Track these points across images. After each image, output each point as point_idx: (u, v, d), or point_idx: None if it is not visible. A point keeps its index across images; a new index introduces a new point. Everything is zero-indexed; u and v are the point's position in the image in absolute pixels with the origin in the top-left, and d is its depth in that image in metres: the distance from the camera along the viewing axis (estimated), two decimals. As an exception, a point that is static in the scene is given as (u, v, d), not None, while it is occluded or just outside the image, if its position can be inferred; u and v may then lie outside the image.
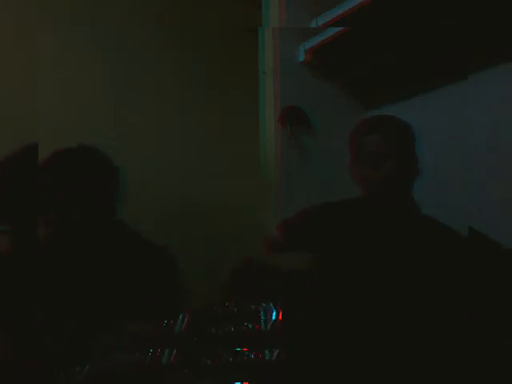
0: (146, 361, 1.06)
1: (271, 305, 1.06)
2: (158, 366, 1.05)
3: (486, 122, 1.69)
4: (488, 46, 1.66)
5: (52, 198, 1.30)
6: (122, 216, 1.38)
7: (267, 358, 1.03)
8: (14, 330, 1.21)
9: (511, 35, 1.57)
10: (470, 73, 1.74)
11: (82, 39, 1.91)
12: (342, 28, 1.81)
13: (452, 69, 1.79)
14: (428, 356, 1.21)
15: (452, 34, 1.63)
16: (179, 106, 2.09)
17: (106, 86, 1.93)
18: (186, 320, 1.08)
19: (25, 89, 1.74)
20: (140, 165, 1.86)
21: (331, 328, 1.26)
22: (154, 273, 1.33)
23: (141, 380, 1.07)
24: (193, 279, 1.39)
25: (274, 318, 1.05)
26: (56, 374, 1.06)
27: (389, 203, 1.36)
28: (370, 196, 1.38)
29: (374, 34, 1.76)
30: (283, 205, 1.89)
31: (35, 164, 1.29)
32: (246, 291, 1.33)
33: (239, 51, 2.16)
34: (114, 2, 2.01)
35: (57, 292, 1.24)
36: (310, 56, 1.98)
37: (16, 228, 1.30)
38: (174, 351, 1.05)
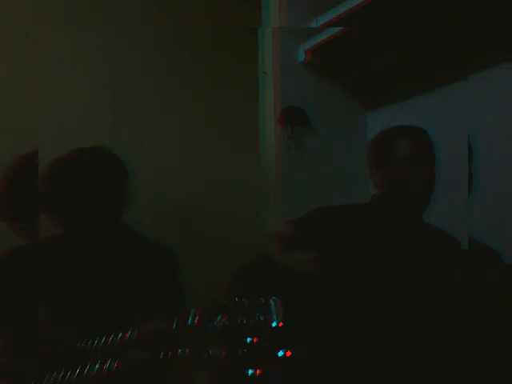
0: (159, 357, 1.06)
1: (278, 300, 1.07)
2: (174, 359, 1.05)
3: (486, 122, 1.69)
4: (488, 46, 1.66)
5: (60, 199, 1.30)
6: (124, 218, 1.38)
7: (279, 348, 1.04)
8: (15, 330, 1.21)
9: (511, 35, 1.57)
10: (470, 73, 1.74)
11: (83, 39, 1.91)
12: (342, 28, 1.81)
13: (452, 69, 1.79)
14: (426, 356, 1.21)
15: (452, 33, 1.63)
16: (179, 106, 2.09)
17: (105, 86, 1.93)
18: (197, 314, 1.09)
19: (25, 89, 1.74)
20: (139, 165, 1.85)
21: (339, 329, 1.26)
22: (158, 273, 1.34)
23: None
24: (193, 280, 1.39)
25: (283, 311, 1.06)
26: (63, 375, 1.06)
27: (423, 206, 1.37)
28: (404, 199, 1.38)
29: (374, 34, 1.76)
30: (283, 205, 1.89)
31: (35, 164, 1.29)
32: (257, 288, 1.32)
33: (239, 51, 2.16)
34: (114, 2, 2.01)
35: (61, 293, 1.24)
36: (310, 56, 1.98)
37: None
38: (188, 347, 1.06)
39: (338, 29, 1.82)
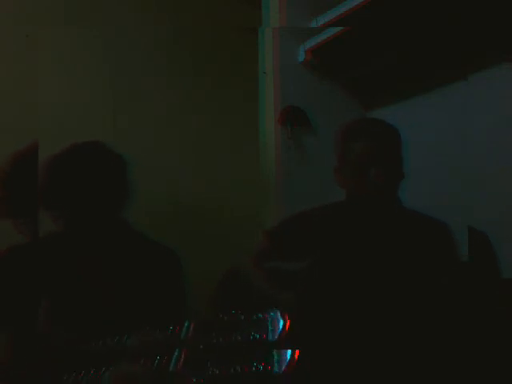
0: (153, 367, 1.04)
1: (278, 313, 1.05)
2: (165, 373, 1.03)
3: (486, 122, 1.69)
4: (488, 46, 1.66)
5: (60, 195, 1.30)
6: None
7: (274, 368, 1.01)
8: (15, 330, 1.21)
9: (511, 35, 1.57)
10: (470, 73, 1.74)
11: (83, 39, 1.91)
12: (342, 28, 1.81)
13: (452, 69, 1.79)
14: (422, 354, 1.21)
15: (452, 33, 1.63)
16: (179, 106, 2.09)
17: (105, 86, 1.93)
18: (191, 327, 1.07)
19: (25, 89, 1.74)
20: (139, 165, 1.85)
21: (327, 331, 1.26)
22: (161, 274, 1.33)
23: None
24: (193, 280, 1.39)
25: (281, 327, 1.04)
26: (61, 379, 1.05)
27: (375, 208, 1.35)
28: (356, 201, 1.36)
29: (374, 34, 1.76)
30: (283, 205, 1.89)
31: (35, 160, 1.29)
32: (233, 304, 1.31)
33: (239, 51, 2.16)
34: (114, 2, 2.01)
35: (62, 292, 1.23)
36: (310, 56, 1.98)
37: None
38: (182, 358, 1.03)
39: (338, 29, 1.82)
